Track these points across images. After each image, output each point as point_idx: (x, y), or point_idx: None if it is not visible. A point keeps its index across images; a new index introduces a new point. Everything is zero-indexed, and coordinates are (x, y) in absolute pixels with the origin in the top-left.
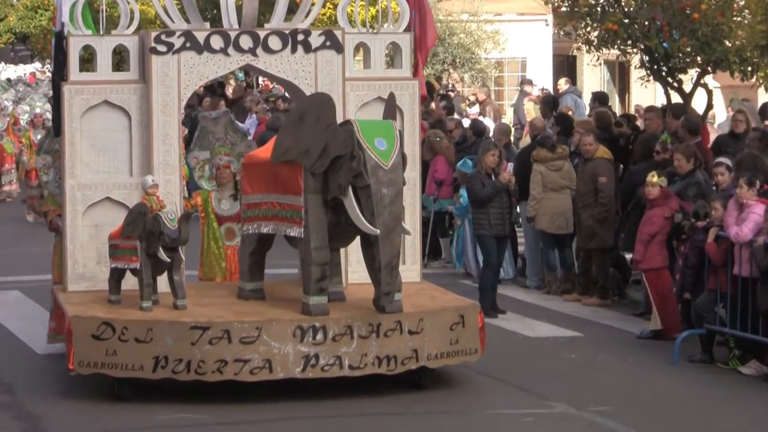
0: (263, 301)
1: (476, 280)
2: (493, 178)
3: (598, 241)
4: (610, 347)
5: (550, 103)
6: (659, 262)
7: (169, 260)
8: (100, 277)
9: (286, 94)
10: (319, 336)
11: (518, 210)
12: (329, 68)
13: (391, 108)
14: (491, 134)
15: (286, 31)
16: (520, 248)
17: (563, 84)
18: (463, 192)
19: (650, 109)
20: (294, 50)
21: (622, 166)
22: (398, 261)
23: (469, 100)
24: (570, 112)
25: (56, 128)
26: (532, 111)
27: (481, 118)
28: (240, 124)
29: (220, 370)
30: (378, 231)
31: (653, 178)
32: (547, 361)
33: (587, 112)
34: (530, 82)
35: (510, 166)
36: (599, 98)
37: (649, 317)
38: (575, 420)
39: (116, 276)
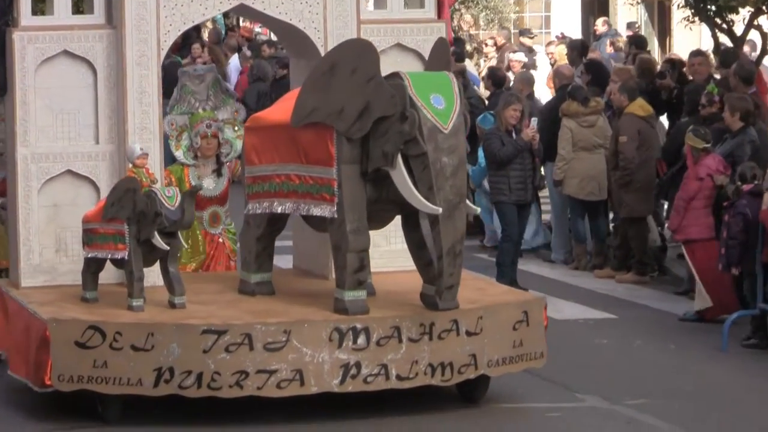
0: (274, 296)
1: (494, 253)
2: (514, 135)
3: (627, 209)
4: (649, 331)
5: (578, 47)
6: (697, 232)
7: (167, 248)
8: (60, 270)
9: (273, 37)
10: (361, 340)
11: (543, 173)
12: (341, 8)
13: (441, 56)
14: (512, 84)
15: None
16: (545, 216)
17: (600, 25)
18: (479, 153)
19: (697, 53)
20: None
21: (668, 122)
22: (462, 247)
23: (485, 44)
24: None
25: (2, 85)
26: (558, 55)
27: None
28: (228, 85)
29: (240, 383)
30: (440, 209)
31: (690, 139)
32: (575, 347)
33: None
34: (529, 32)
35: (534, 121)
36: (637, 42)
37: (693, 296)
38: (608, 416)
39: (93, 268)
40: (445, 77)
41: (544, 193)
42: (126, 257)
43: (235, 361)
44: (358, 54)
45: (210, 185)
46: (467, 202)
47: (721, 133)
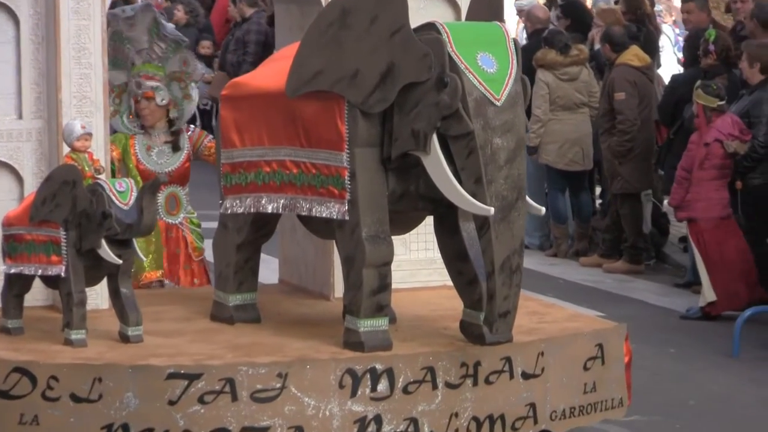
0: (260, 324)
1: None
2: None
3: (621, 183)
4: (644, 332)
5: None
6: (705, 209)
7: (119, 261)
8: None
9: None
10: (382, 386)
11: None
12: None
13: (494, 2)
14: None
15: None
16: None
17: None
18: None
19: None
20: None
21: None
22: (521, 260)
23: None
24: None
25: None
26: None
27: None
28: (171, 26)
29: None
30: (492, 209)
31: (700, 97)
32: None
33: None
34: None
35: None
36: None
37: (697, 289)
38: None
39: (16, 288)
40: (497, 30)
41: None
42: (62, 273)
43: (212, 415)
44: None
45: (161, 158)
46: (527, 198)
47: (735, 89)
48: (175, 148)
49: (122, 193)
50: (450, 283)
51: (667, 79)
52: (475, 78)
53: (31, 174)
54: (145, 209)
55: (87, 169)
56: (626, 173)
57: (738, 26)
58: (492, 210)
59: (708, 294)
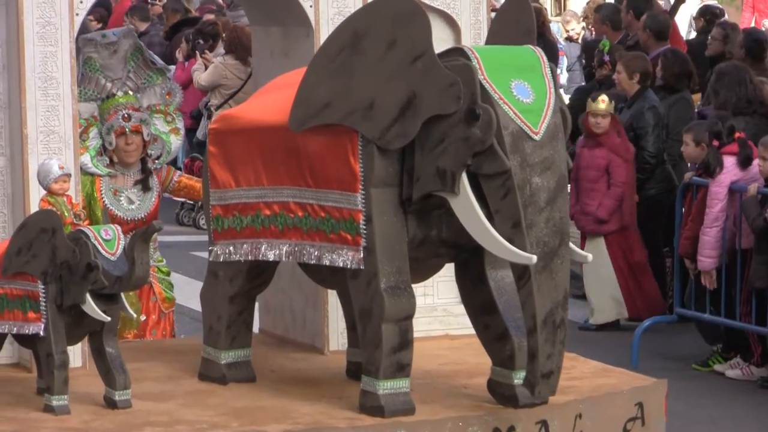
0: (255, 384)
1: None
2: None
3: None
4: None
5: None
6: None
7: (107, 318)
8: None
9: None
10: None
11: None
12: None
13: (521, 18)
14: None
15: None
16: None
17: None
18: None
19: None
20: None
21: None
22: (565, 313)
23: None
24: None
25: None
26: None
27: None
28: (154, 56)
29: None
30: (533, 257)
31: (600, 103)
32: None
33: None
34: None
35: None
36: None
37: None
38: None
39: None
40: (531, 54)
41: None
42: (41, 332)
43: None
44: (398, 18)
45: (132, 203)
46: (571, 244)
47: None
48: (146, 188)
49: (108, 241)
50: (452, 332)
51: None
52: (511, 109)
53: None
54: (137, 260)
55: (66, 214)
56: None
57: (628, 37)
58: (534, 258)
59: (605, 311)
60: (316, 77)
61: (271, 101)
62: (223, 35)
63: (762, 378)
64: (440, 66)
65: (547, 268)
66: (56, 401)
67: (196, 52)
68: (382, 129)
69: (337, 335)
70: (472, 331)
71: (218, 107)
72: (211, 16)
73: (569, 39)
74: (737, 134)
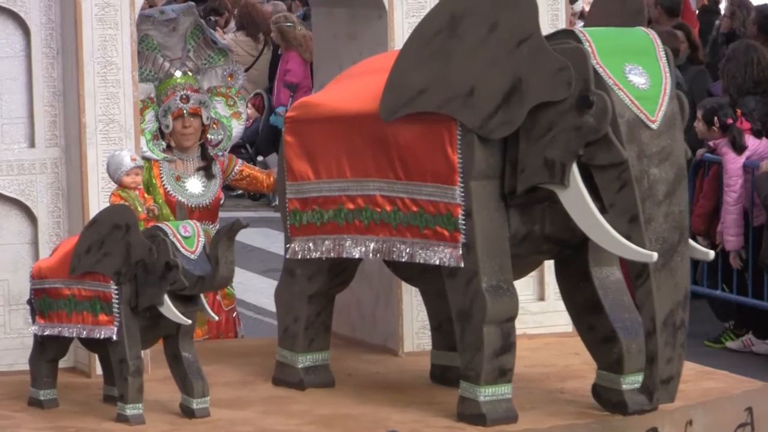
0: (335, 390)
1: None
2: None
3: None
4: None
5: None
6: None
7: (188, 321)
8: None
9: None
10: None
11: None
12: None
13: (633, 2)
14: None
15: None
16: None
17: None
18: None
19: None
20: None
21: None
22: (686, 315)
23: None
24: None
25: None
26: None
27: None
28: (215, 35)
29: None
30: (654, 254)
31: None
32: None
33: None
34: None
35: None
36: None
37: None
38: None
39: (50, 353)
40: (644, 36)
41: None
42: (114, 336)
43: None
44: (501, 1)
45: (196, 190)
46: (690, 241)
47: None
48: (209, 175)
49: (188, 238)
50: (530, 331)
51: None
52: (627, 96)
53: (46, 213)
54: (222, 258)
55: (140, 209)
56: None
57: None
58: (655, 255)
59: None
60: (409, 63)
61: (354, 88)
62: (234, 12)
63: None
64: (549, 50)
65: (666, 266)
66: (130, 410)
67: None
68: (484, 117)
69: (412, 336)
70: (550, 330)
71: None
72: None
73: (581, 16)
74: (728, 120)
